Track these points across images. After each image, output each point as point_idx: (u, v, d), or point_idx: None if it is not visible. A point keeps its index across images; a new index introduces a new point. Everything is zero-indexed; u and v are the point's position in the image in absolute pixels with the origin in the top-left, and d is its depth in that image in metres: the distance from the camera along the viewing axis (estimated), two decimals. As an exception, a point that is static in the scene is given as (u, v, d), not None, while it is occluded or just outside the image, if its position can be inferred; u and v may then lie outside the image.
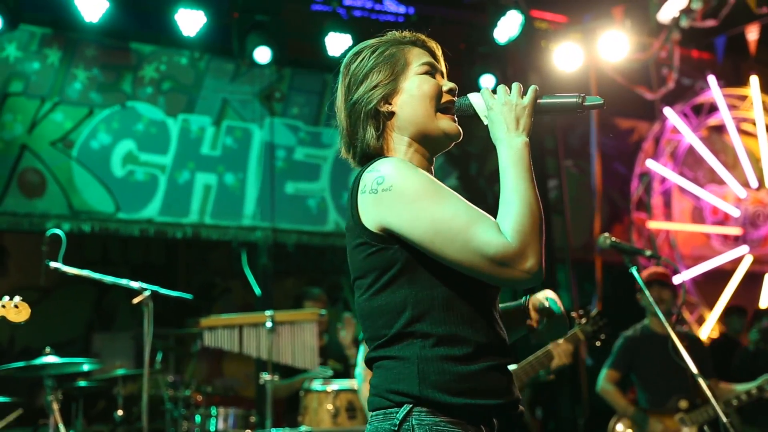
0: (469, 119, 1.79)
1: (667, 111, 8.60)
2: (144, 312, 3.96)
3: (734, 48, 8.38)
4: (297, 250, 7.16)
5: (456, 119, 1.80)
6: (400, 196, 1.58)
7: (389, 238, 1.61)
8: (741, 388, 4.86)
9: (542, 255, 1.55)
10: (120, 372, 4.90)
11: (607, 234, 3.32)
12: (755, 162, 8.98)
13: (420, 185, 1.59)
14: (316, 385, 4.78)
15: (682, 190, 8.83)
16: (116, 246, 7.92)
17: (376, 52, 1.79)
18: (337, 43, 6.46)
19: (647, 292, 3.19)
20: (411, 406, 1.58)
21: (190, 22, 6.02)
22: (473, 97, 1.75)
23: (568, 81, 7.46)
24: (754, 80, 8.86)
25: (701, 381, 3.04)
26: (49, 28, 6.35)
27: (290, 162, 7.10)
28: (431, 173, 1.79)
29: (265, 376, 4.67)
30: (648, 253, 3.29)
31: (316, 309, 5.09)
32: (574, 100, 1.68)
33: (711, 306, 8.43)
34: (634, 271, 3.17)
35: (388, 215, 1.59)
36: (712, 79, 8.63)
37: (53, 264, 3.88)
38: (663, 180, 8.74)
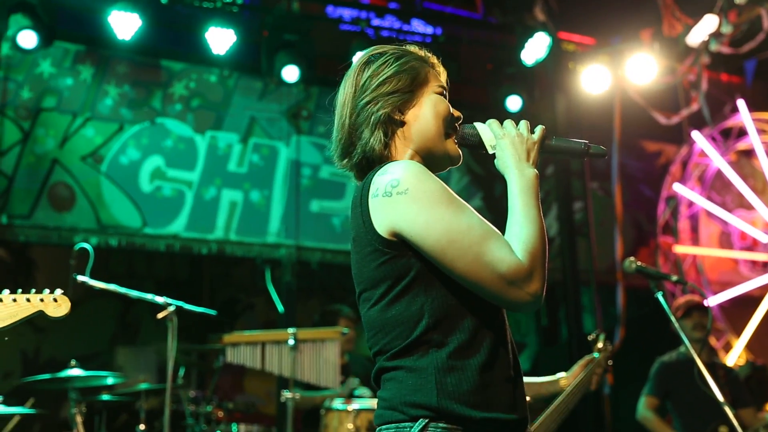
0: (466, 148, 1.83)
1: (695, 134, 8.54)
2: (168, 327, 3.99)
3: (764, 72, 8.31)
4: (321, 268, 7.17)
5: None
6: (416, 200, 1.55)
7: (402, 244, 1.57)
8: None
9: (545, 280, 1.55)
10: (143, 386, 4.93)
11: (632, 258, 3.28)
12: (785, 187, 8.86)
13: (437, 191, 1.57)
14: (337, 404, 4.77)
15: (709, 214, 8.73)
16: (142, 260, 7.99)
17: (400, 60, 1.78)
18: (364, 62, 6.49)
19: (673, 320, 3.14)
20: (428, 420, 1.53)
21: (220, 40, 6.10)
22: (480, 127, 1.78)
23: (594, 103, 7.44)
24: (784, 105, 8.77)
25: (727, 409, 2.99)
26: (83, 45, 6.47)
27: (316, 180, 7.14)
28: None
29: (287, 394, 4.67)
30: (674, 278, 3.24)
31: (339, 327, 5.09)
32: (580, 147, 1.75)
33: (738, 333, 8.30)
34: (660, 296, 3.13)
35: (401, 219, 1.55)
36: (741, 103, 8.56)
37: (80, 277, 3.92)
38: (690, 204, 8.66)
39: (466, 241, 1.52)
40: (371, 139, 1.72)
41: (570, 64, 7.49)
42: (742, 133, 8.74)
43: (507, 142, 1.71)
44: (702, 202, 8.63)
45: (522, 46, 6.85)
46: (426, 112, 1.74)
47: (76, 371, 4.14)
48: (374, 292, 1.62)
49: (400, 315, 1.58)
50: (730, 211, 8.74)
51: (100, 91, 6.53)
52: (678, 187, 8.56)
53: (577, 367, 3.31)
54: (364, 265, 1.64)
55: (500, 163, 1.72)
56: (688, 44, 7.09)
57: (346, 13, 7.21)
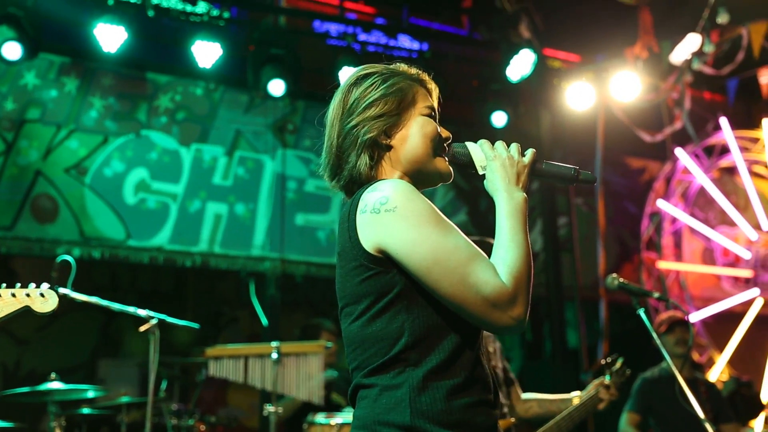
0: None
1: (678, 152, 8.61)
2: (150, 340, 3.97)
3: (746, 91, 8.42)
4: (305, 281, 7.16)
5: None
6: (404, 218, 1.55)
7: (387, 261, 1.57)
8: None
9: (528, 305, 1.55)
10: (124, 399, 4.89)
11: (615, 275, 3.30)
12: (767, 204, 8.95)
13: (425, 211, 1.57)
14: (320, 418, 4.75)
15: (692, 230, 8.80)
16: (125, 273, 7.95)
17: (387, 83, 1.77)
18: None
19: (655, 336, 3.16)
20: None
21: (207, 53, 6.10)
22: (471, 147, 1.78)
23: (579, 119, 7.50)
24: (766, 123, 8.88)
25: (708, 426, 3.01)
26: (68, 57, 6.45)
27: (301, 194, 7.14)
28: None
29: (269, 407, 4.65)
30: (656, 295, 3.26)
31: (322, 341, 5.08)
32: (570, 172, 1.74)
33: (721, 348, 8.34)
34: (641, 313, 3.15)
35: (388, 237, 1.56)
36: (723, 121, 8.65)
37: (62, 290, 3.89)
38: (674, 220, 8.72)
39: (452, 262, 1.52)
40: (357, 163, 1.73)
41: (555, 81, 7.56)
42: (724, 150, 8.83)
43: (497, 165, 1.71)
44: (685, 219, 8.70)
45: (507, 63, 6.90)
46: (413, 136, 1.74)
47: (56, 384, 4.11)
48: (356, 308, 1.62)
49: (380, 332, 1.58)
50: (712, 227, 8.82)
51: (84, 103, 6.51)
52: (661, 204, 8.63)
53: (591, 387, 3.33)
54: (347, 279, 1.64)
55: (490, 185, 1.72)
56: (671, 63, 7.17)
57: (333, 27, 7.24)
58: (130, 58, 6.27)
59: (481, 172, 1.77)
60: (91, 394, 4.44)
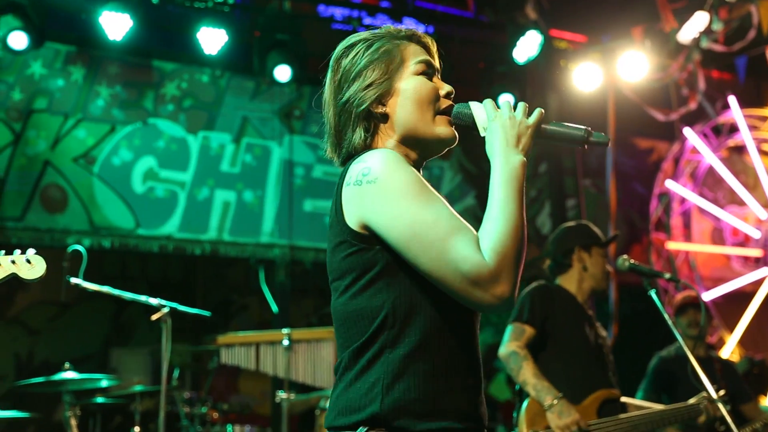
0: (462, 129, 1.70)
1: (687, 131, 8.56)
2: (162, 328, 3.98)
3: (755, 69, 8.34)
4: (314, 267, 7.16)
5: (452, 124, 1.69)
6: (384, 190, 1.48)
7: (370, 237, 1.51)
8: None
9: (517, 282, 1.45)
10: (137, 388, 4.92)
11: (625, 256, 3.29)
12: (776, 183, 8.90)
13: (407, 182, 1.49)
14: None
15: (701, 210, 8.77)
16: (135, 262, 7.97)
17: (371, 48, 1.68)
18: (356, 62, 6.50)
19: (666, 317, 3.15)
20: (367, 429, 1.47)
21: (212, 40, 6.08)
22: (474, 106, 1.66)
23: (587, 100, 7.45)
24: (775, 101, 8.81)
25: (721, 406, 3.01)
26: (74, 46, 6.44)
27: (309, 180, 7.14)
28: (420, 172, 1.71)
29: (281, 394, 4.67)
30: (667, 275, 3.25)
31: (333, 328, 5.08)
32: (581, 133, 1.58)
33: (731, 328, 8.33)
34: (653, 294, 3.14)
35: (368, 210, 1.49)
36: (732, 100, 8.59)
37: (74, 280, 3.91)
38: (682, 200, 8.68)
39: (431, 236, 1.43)
40: (353, 137, 1.66)
41: (562, 62, 7.50)
42: (733, 129, 8.77)
43: (497, 125, 1.58)
44: (694, 199, 8.66)
45: (514, 45, 6.86)
46: (405, 100, 1.65)
47: (70, 374, 4.13)
48: (341, 283, 1.56)
49: (361, 309, 1.52)
50: (722, 207, 8.77)
51: (91, 92, 6.50)
52: (670, 184, 8.59)
53: (693, 398, 3.33)
54: (334, 254, 1.57)
55: (488, 148, 1.59)
56: (679, 41, 7.11)
57: (338, 12, 7.20)
58: (136, 46, 6.25)
59: (482, 134, 1.64)
60: (104, 384, 4.47)
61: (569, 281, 3.65)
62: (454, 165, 7.90)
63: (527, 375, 3.29)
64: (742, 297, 8.43)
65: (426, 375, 1.47)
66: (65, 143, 6.37)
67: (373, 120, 1.66)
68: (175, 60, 6.82)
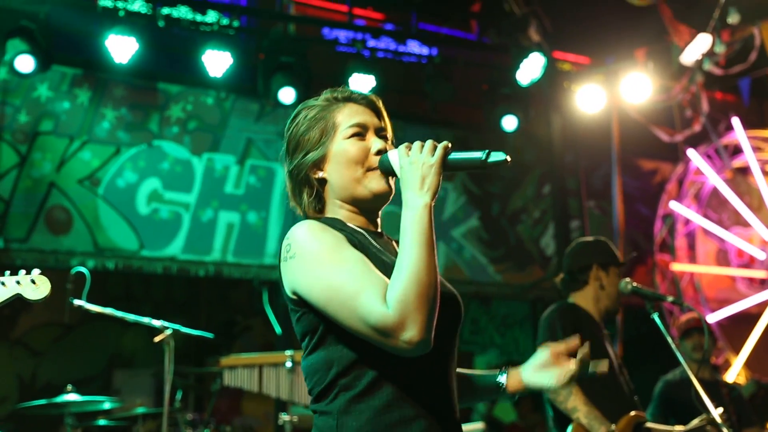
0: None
1: (691, 153, 8.57)
2: (165, 350, 3.97)
3: (759, 90, 8.37)
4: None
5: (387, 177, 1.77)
6: (302, 262, 1.61)
7: (304, 302, 1.63)
8: None
9: (427, 325, 1.50)
10: (140, 410, 4.90)
11: (628, 279, 3.28)
12: (781, 204, 8.89)
13: (320, 251, 1.60)
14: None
15: (706, 232, 8.75)
16: (139, 283, 7.97)
17: (308, 117, 1.79)
18: (361, 83, 6.54)
19: (670, 340, 3.14)
20: None
21: (217, 63, 6.13)
22: (392, 155, 1.71)
23: (590, 122, 7.48)
24: (778, 122, 8.82)
25: (725, 430, 2.98)
26: (80, 69, 6.49)
27: (313, 201, 7.14)
28: (376, 227, 1.80)
29: (284, 416, 4.64)
30: (670, 298, 3.23)
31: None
32: (479, 156, 1.64)
33: (737, 350, 8.28)
34: (655, 317, 3.12)
35: (294, 282, 1.63)
36: (736, 121, 8.60)
37: (77, 302, 3.91)
38: (687, 222, 8.67)
39: (342, 297, 1.54)
40: (303, 203, 1.80)
41: (565, 84, 7.54)
42: (737, 150, 8.77)
43: (405, 169, 1.64)
44: (698, 220, 8.65)
45: (517, 67, 6.89)
46: (338, 163, 1.74)
47: (72, 396, 4.12)
48: (303, 343, 1.71)
49: (318, 363, 1.65)
50: (726, 228, 8.76)
51: (97, 114, 6.55)
52: (674, 205, 8.58)
53: (696, 420, 3.25)
54: (291, 319, 1.73)
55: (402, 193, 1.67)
56: (682, 63, 7.14)
57: (342, 34, 7.25)
58: (142, 68, 6.29)
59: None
60: (107, 406, 4.45)
61: (584, 299, 3.55)
62: (458, 186, 7.91)
63: (578, 402, 3.20)
64: (748, 318, 8.39)
65: (378, 410, 1.59)
66: (70, 165, 6.40)
67: (316, 185, 1.77)
68: (181, 82, 6.87)
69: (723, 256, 8.83)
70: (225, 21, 6.50)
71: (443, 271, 7.70)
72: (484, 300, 9.20)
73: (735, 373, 8.08)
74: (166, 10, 6.22)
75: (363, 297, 1.52)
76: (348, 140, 1.75)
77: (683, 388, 4.81)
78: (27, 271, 2.27)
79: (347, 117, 1.77)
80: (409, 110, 7.90)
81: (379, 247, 1.73)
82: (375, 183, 1.75)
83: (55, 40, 5.87)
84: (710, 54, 7.05)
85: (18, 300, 2.30)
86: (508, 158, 1.63)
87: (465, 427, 6.69)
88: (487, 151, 1.64)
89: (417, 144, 1.66)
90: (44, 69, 5.84)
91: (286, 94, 6.31)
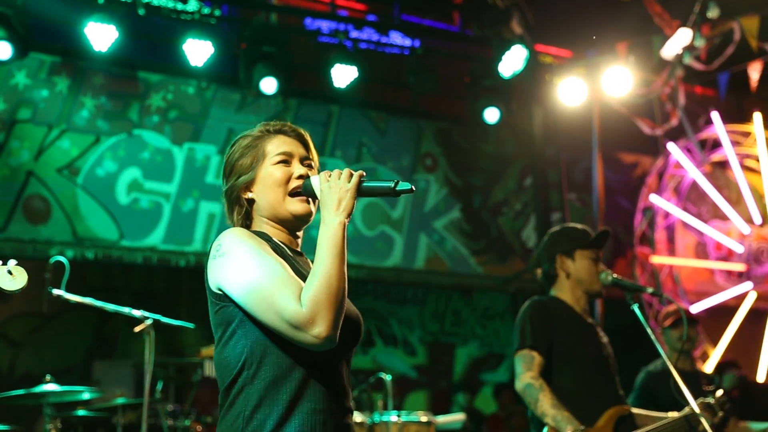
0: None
1: (671, 146, 8.63)
2: (145, 340, 3.95)
3: (737, 85, 8.44)
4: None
5: (308, 200, 2.00)
6: (229, 260, 1.82)
7: (226, 297, 1.84)
8: (757, 427, 4.81)
9: (334, 323, 1.73)
10: (120, 401, 4.87)
11: (608, 270, 3.29)
12: (759, 198, 8.98)
13: (246, 252, 1.81)
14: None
15: (685, 225, 8.83)
16: (119, 273, 7.91)
17: (243, 145, 2.03)
18: (343, 74, 6.52)
19: (650, 331, 3.15)
20: None
21: (198, 52, 6.08)
22: (314, 180, 1.95)
23: (571, 115, 7.51)
24: (757, 117, 8.91)
25: (703, 420, 3.01)
26: (59, 57, 6.42)
27: (294, 192, 7.12)
28: (296, 245, 2.02)
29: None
30: (650, 290, 3.24)
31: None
32: (390, 185, 1.88)
33: (715, 342, 8.37)
34: (635, 308, 3.14)
35: (220, 277, 1.83)
36: (715, 115, 8.68)
37: (56, 291, 3.88)
38: (666, 215, 8.74)
39: (262, 292, 1.75)
40: (234, 219, 2.03)
41: (547, 77, 7.56)
42: (716, 144, 8.85)
43: (324, 192, 1.88)
44: (678, 213, 8.73)
45: (499, 59, 6.90)
46: (264, 187, 1.98)
47: (51, 386, 4.09)
48: (215, 336, 1.89)
49: (227, 356, 1.84)
50: (705, 221, 8.84)
51: (76, 102, 6.48)
52: (654, 198, 8.65)
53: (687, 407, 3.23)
54: (209, 313, 1.91)
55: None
56: (662, 57, 7.18)
57: (324, 25, 7.22)
58: (121, 57, 6.24)
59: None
60: (86, 396, 4.42)
61: (561, 291, 3.48)
62: (440, 178, 7.92)
63: (545, 407, 3.18)
64: (726, 311, 8.49)
65: (282, 404, 1.78)
66: (49, 154, 6.33)
67: (246, 205, 2.01)
68: (161, 71, 6.81)
69: (702, 249, 8.92)
70: (206, 10, 6.45)
71: (425, 263, 7.72)
72: (466, 291, 9.24)
73: (713, 365, 8.17)
74: (146, -2, 6.16)
75: (280, 294, 1.74)
76: (275, 165, 1.99)
77: (665, 379, 4.84)
78: (3, 261, 2.23)
79: (276, 146, 2.01)
80: (391, 101, 7.89)
81: (296, 261, 1.94)
82: (295, 205, 1.98)
83: (33, 26, 5.80)
84: (690, 48, 7.10)
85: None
86: (413, 188, 1.88)
87: (446, 417, 6.73)
88: (396, 180, 1.89)
89: (336, 171, 1.90)
90: (22, 56, 5.77)
91: (268, 84, 6.28)
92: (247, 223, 2.02)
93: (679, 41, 6.99)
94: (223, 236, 1.88)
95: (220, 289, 1.85)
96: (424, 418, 5.49)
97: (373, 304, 8.93)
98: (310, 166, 2.03)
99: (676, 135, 8.58)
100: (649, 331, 3.14)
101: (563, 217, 7.98)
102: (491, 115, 7.07)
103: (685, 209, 8.79)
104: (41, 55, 6.33)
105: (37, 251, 6.10)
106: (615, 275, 3.24)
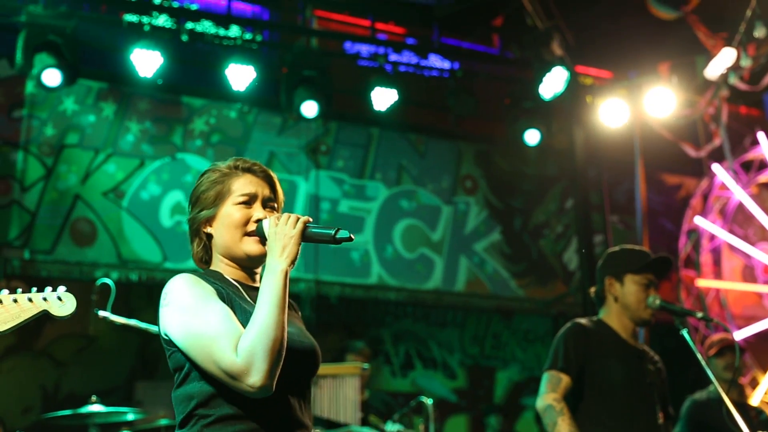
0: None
1: (715, 167, 8.49)
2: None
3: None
4: (340, 302, 7.14)
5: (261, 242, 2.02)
6: (172, 310, 1.89)
7: (173, 343, 1.90)
8: None
9: (270, 373, 1.77)
10: (163, 422, 4.90)
11: (655, 294, 3.23)
12: (807, 220, 8.77)
13: (188, 301, 1.87)
14: (357, 440, 4.72)
15: (732, 247, 8.64)
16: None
17: (210, 179, 2.06)
18: (382, 97, 6.56)
19: (700, 357, 3.06)
20: None
21: (240, 76, 6.17)
22: (265, 223, 1.98)
23: (613, 136, 7.43)
24: (804, 137, 8.71)
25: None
26: (105, 83, 6.57)
27: (334, 214, 7.16)
28: (252, 281, 2.05)
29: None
30: (699, 314, 3.17)
31: (358, 363, 5.05)
32: (331, 232, 1.92)
33: (764, 368, 8.15)
34: (685, 333, 3.06)
35: (166, 326, 1.91)
36: (761, 136, 8.51)
37: (102, 313, 3.93)
38: (712, 237, 8.57)
39: (201, 343, 1.81)
40: (193, 250, 2.09)
41: (588, 98, 7.50)
42: (762, 165, 8.68)
43: (271, 237, 1.91)
44: (724, 236, 8.55)
45: (539, 81, 6.88)
46: (222, 225, 2.02)
47: (97, 407, 4.13)
48: (174, 377, 1.97)
49: (182, 395, 1.91)
50: (752, 244, 8.64)
51: (121, 127, 6.61)
52: (699, 221, 8.49)
53: None
54: (166, 356, 1.98)
55: None
56: (706, 77, 7.08)
57: (364, 49, 7.28)
58: (166, 82, 6.36)
59: None
60: (130, 417, 4.46)
61: (609, 315, 3.38)
62: (480, 200, 7.89)
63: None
64: (775, 336, 8.26)
65: None
66: (95, 177, 6.46)
67: (204, 238, 2.06)
68: (204, 96, 6.93)
69: (749, 273, 8.72)
70: (248, 35, 6.56)
71: (465, 285, 7.66)
72: (506, 314, 9.15)
73: (763, 391, 7.95)
74: (189, 25, 6.29)
75: (217, 344, 1.79)
76: (236, 206, 2.02)
77: (712, 408, 4.71)
78: (52, 285, 2.29)
79: (241, 186, 2.04)
80: (431, 124, 7.90)
81: (249, 299, 1.96)
82: (250, 246, 2.00)
83: (82, 54, 5.95)
84: (735, 68, 6.99)
85: (44, 315, 2.32)
86: (352, 237, 1.92)
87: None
88: (336, 228, 1.92)
89: (285, 216, 1.94)
90: (70, 83, 5.91)
91: (309, 108, 6.34)
92: (206, 257, 2.07)
93: (723, 61, 6.90)
94: (170, 284, 1.93)
95: (167, 335, 1.91)
96: (465, 443, 5.41)
97: (413, 326, 8.89)
98: (273, 208, 2.07)
99: (720, 156, 8.44)
100: (699, 357, 3.05)
101: (605, 240, 7.88)
102: (532, 137, 7.04)
103: (732, 231, 8.61)
104: (89, 82, 6.48)
105: (83, 273, 6.21)
106: (662, 299, 3.18)
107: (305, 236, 1.93)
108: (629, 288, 3.33)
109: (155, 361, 7.81)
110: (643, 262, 3.34)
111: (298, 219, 1.92)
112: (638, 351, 3.38)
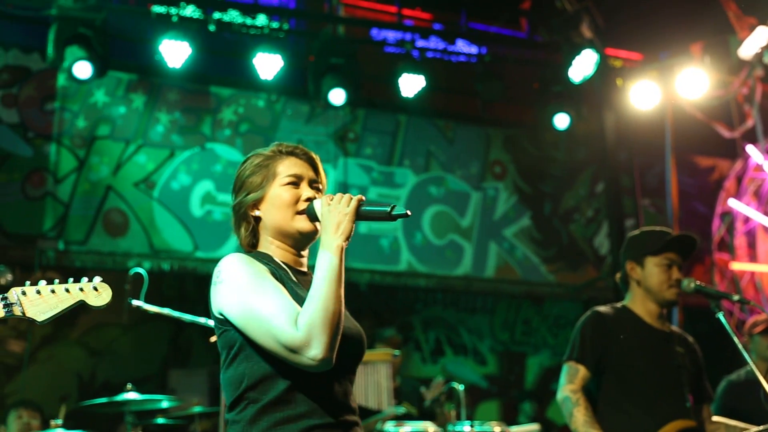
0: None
1: (750, 148, 8.34)
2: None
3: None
4: (369, 289, 7.16)
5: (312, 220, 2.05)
6: (228, 287, 1.90)
7: (227, 321, 1.91)
8: None
9: (330, 346, 1.78)
10: (197, 409, 4.96)
11: (691, 277, 3.18)
12: None
13: (244, 278, 1.89)
14: (389, 427, 4.74)
15: (767, 230, 8.50)
16: (193, 284, 8.08)
17: (254, 163, 2.09)
18: (410, 84, 6.53)
19: (736, 340, 3.02)
20: None
21: (268, 65, 6.18)
22: (316, 203, 2.00)
23: (644, 119, 7.33)
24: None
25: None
26: (135, 74, 6.63)
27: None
28: (300, 264, 2.08)
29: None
30: (735, 297, 3.12)
31: (389, 349, 5.06)
32: (387, 209, 1.93)
33: (801, 352, 8.02)
34: (721, 316, 3.02)
35: (220, 303, 1.91)
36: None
37: (135, 302, 3.98)
38: (747, 220, 8.44)
39: (260, 318, 1.82)
40: (240, 235, 2.11)
41: (618, 81, 7.40)
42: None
43: (325, 216, 1.94)
44: (759, 218, 8.41)
45: (569, 64, 6.80)
46: (272, 206, 2.04)
47: (132, 395, 4.20)
48: (221, 358, 1.98)
49: (231, 377, 1.92)
50: (788, 226, 8.50)
51: (151, 118, 6.67)
52: (733, 203, 8.36)
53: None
54: (216, 335, 2.00)
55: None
56: (740, 57, 6.95)
57: (391, 35, 7.26)
58: (194, 72, 6.39)
59: None
60: (165, 405, 4.52)
61: (633, 300, 3.35)
62: (509, 186, 7.85)
63: (578, 423, 3.10)
64: (812, 319, 8.12)
65: (279, 420, 1.85)
66: (126, 168, 6.54)
67: (252, 221, 2.08)
68: (232, 86, 6.96)
69: (785, 255, 8.57)
70: (275, 24, 6.56)
71: (495, 271, 7.64)
72: (537, 300, 9.10)
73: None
74: (217, 15, 6.30)
75: (277, 319, 1.81)
76: (284, 187, 2.05)
77: (749, 389, 4.66)
78: (87, 275, 2.33)
79: (287, 168, 2.07)
80: (459, 110, 7.86)
81: (297, 282, 1.99)
82: (302, 223, 2.03)
83: (111, 46, 6.00)
84: (770, 47, 6.85)
85: (80, 305, 2.36)
86: (409, 212, 1.94)
87: (520, 428, 6.63)
88: (392, 205, 1.93)
89: (337, 195, 1.96)
90: (101, 75, 5.97)
91: (337, 95, 6.34)
92: (253, 239, 2.09)
93: (758, 40, 6.76)
94: (223, 262, 1.96)
95: (221, 314, 1.92)
96: (497, 429, 5.41)
97: (443, 313, 8.89)
98: (318, 189, 2.09)
99: (754, 137, 8.29)
100: (735, 339, 3.02)
101: (637, 224, 7.79)
102: (561, 120, 6.97)
103: (767, 214, 8.47)
104: (119, 74, 6.55)
105: (116, 263, 6.29)
106: (698, 282, 3.13)
107: (359, 214, 1.94)
108: (650, 270, 3.29)
109: (188, 350, 7.90)
110: (662, 242, 3.29)
111: (352, 198, 1.94)
112: (665, 334, 3.33)
